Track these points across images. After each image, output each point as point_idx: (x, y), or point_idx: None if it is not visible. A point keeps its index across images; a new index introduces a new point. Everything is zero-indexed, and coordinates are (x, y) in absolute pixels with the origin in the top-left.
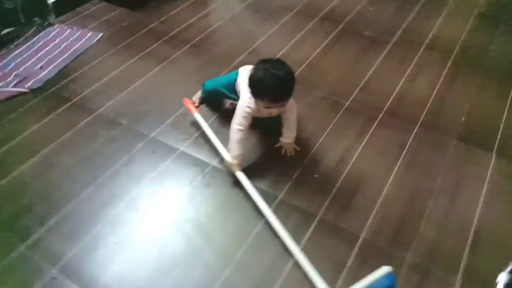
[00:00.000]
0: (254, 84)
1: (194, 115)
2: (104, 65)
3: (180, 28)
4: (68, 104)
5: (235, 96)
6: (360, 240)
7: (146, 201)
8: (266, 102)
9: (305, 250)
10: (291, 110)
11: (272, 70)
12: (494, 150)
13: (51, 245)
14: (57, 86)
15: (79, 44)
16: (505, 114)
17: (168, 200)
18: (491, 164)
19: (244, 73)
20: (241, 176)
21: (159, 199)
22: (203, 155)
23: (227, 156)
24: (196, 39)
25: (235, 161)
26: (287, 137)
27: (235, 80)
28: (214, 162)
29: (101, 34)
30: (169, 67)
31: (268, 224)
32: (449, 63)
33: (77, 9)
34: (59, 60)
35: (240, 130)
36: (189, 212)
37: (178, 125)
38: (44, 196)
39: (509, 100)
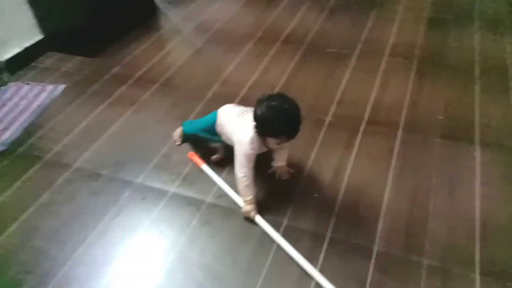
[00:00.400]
0: (268, 123)
1: (202, 167)
2: (72, 116)
3: (145, 69)
4: (41, 162)
5: (218, 138)
6: (374, 252)
7: (145, 253)
8: (282, 139)
9: (323, 271)
10: (286, 149)
11: (283, 105)
12: (477, 141)
13: None
14: (25, 145)
15: (41, 99)
16: (475, 105)
17: (169, 248)
18: (477, 155)
19: (224, 114)
20: (260, 221)
21: (158, 248)
22: (196, 193)
23: (240, 202)
24: (164, 78)
25: (250, 205)
26: (281, 161)
27: (214, 122)
28: (209, 198)
29: (63, 86)
30: (141, 110)
31: (280, 249)
32: (414, 67)
33: (32, 63)
34: (22, 119)
35: (246, 176)
36: (194, 256)
37: (163, 167)
38: (32, 266)
39: (475, 92)
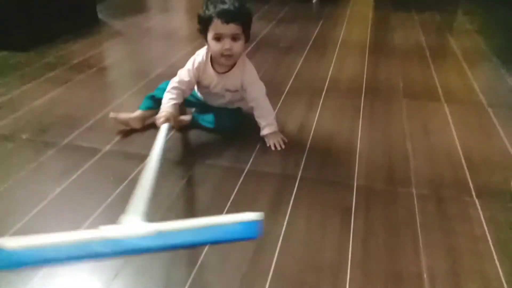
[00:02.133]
0: (202, 14)
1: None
2: None
3: (81, 58)
4: None
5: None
6: (355, 187)
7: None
8: (215, 26)
9: (301, 207)
10: (253, 87)
11: None
12: (442, 100)
13: None
14: None
15: None
16: (433, 73)
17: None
18: (446, 109)
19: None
20: (162, 130)
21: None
22: (137, 148)
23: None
24: (106, 62)
25: (163, 112)
26: (268, 125)
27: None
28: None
29: None
30: (74, 87)
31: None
32: (367, 52)
33: None
34: None
35: (174, 88)
36: None
37: (97, 129)
38: None
39: (430, 64)
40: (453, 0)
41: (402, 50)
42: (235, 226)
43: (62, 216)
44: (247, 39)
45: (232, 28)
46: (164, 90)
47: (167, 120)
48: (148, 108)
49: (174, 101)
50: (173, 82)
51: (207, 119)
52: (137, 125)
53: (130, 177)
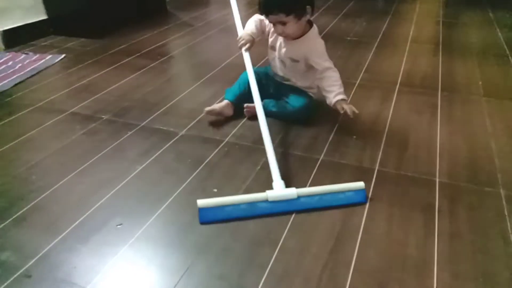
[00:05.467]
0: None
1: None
2: (72, 76)
3: (156, 45)
4: (30, 109)
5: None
6: (437, 183)
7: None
8: (262, 13)
9: (381, 202)
10: (322, 59)
11: None
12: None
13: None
14: (14, 96)
15: (37, 64)
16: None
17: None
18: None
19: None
20: (246, 57)
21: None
22: (214, 134)
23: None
24: (176, 51)
25: (244, 36)
26: (341, 93)
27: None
28: (230, 138)
29: (63, 55)
30: (149, 73)
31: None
32: (440, 50)
33: (31, 42)
34: (13, 76)
35: (254, 21)
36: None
37: (173, 113)
38: (5, 191)
39: (511, 63)
40: None
41: (479, 49)
42: (347, 193)
43: (143, 194)
44: (301, 16)
45: (273, 18)
46: (241, 83)
47: (247, 42)
48: (232, 98)
49: (254, 30)
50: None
51: (279, 105)
52: (230, 112)
53: (206, 161)
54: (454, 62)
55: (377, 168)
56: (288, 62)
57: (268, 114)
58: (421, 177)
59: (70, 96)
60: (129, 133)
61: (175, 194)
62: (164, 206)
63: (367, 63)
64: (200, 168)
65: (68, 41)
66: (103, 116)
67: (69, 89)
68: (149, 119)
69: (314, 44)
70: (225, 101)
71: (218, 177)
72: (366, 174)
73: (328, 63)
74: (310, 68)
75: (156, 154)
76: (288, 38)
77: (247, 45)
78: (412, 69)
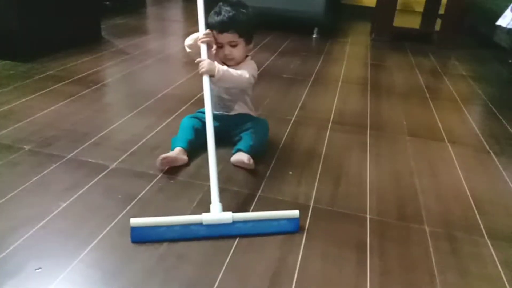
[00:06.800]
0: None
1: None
2: None
3: (89, 72)
4: None
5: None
6: (368, 220)
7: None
8: (215, 35)
9: (316, 239)
10: (245, 67)
11: (221, 3)
12: (445, 139)
13: None
14: None
15: None
16: (434, 114)
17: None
18: (450, 149)
19: None
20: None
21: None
22: (146, 168)
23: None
24: (109, 80)
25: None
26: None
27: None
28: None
29: None
30: (80, 101)
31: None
32: (369, 89)
33: None
34: None
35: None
36: None
37: (104, 145)
38: None
39: (430, 105)
40: (447, 47)
41: (402, 90)
42: (282, 221)
43: (66, 234)
44: (249, 42)
45: (227, 36)
46: (184, 128)
47: (208, 36)
48: (181, 144)
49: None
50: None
51: (249, 136)
52: (185, 159)
53: (138, 197)
54: (381, 102)
55: (312, 204)
56: (224, 89)
57: (251, 151)
58: (353, 214)
59: None
60: (54, 165)
61: (102, 234)
62: (90, 247)
63: (301, 100)
64: (131, 205)
65: None
66: (25, 147)
67: None
68: (76, 150)
69: (249, 63)
70: (178, 148)
71: (151, 215)
72: (302, 211)
73: (246, 70)
74: (243, 91)
75: (83, 190)
76: (230, 62)
77: (208, 38)
78: (344, 108)
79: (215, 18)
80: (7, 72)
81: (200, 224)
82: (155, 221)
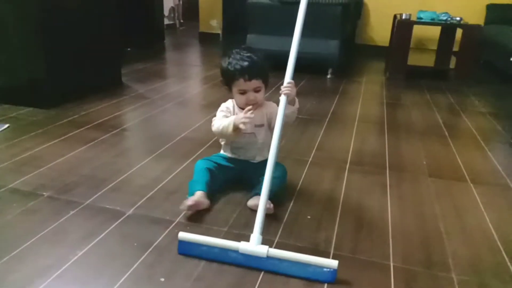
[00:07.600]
0: (225, 70)
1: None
2: (14, 148)
3: (109, 117)
4: None
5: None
6: (392, 268)
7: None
8: (239, 83)
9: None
10: (274, 114)
11: (239, 50)
12: (468, 179)
13: None
14: None
15: None
16: (454, 153)
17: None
18: (473, 189)
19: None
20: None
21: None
22: (163, 213)
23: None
24: (128, 124)
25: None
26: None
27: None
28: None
29: (6, 125)
30: (98, 146)
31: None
32: (386, 128)
33: None
34: None
35: (215, 124)
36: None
37: (122, 190)
38: None
39: (450, 143)
40: (464, 83)
41: (420, 128)
42: (318, 268)
43: (82, 283)
44: (267, 85)
45: (254, 83)
46: (200, 170)
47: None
48: (201, 188)
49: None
50: (218, 115)
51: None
52: (207, 203)
53: (154, 244)
54: (399, 141)
55: (332, 252)
56: (258, 132)
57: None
58: (377, 261)
59: (10, 170)
60: (72, 212)
61: (118, 284)
62: None
63: (318, 141)
64: (147, 253)
65: (14, 110)
66: (44, 193)
67: (9, 162)
68: (95, 196)
69: (272, 107)
70: (199, 192)
71: (167, 263)
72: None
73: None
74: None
75: (99, 237)
76: (255, 106)
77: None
78: (361, 147)
79: (240, 64)
80: (31, 118)
81: (236, 252)
82: (199, 239)
